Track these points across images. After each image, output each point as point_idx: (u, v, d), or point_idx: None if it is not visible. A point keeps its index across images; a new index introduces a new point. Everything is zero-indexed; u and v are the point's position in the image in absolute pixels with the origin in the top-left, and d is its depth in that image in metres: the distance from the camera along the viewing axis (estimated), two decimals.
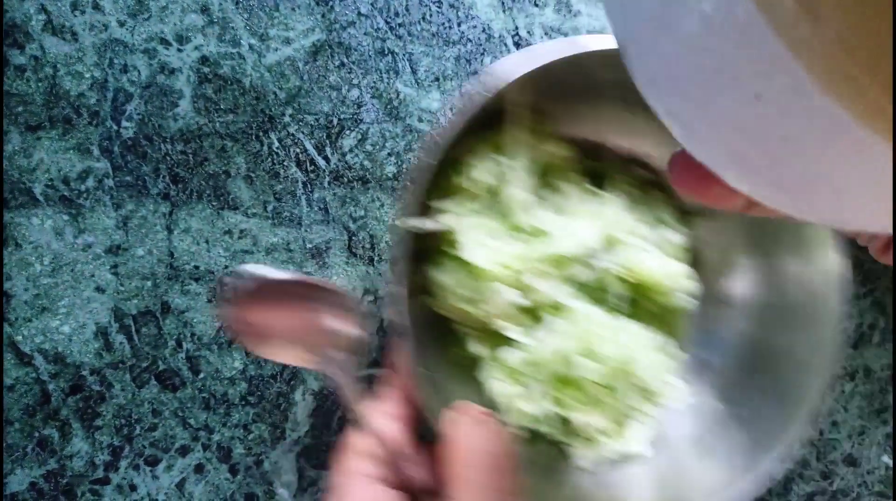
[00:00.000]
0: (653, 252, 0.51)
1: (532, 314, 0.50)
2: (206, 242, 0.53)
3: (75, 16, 0.52)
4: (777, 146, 0.18)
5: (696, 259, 0.53)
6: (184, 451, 0.54)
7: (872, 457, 0.57)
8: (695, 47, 0.18)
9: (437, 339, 0.51)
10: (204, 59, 0.53)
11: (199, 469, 0.54)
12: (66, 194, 0.52)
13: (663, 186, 0.53)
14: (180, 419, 0.53)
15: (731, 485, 0.43)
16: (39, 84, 0.52)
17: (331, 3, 0.54)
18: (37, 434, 0.53)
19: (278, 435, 0.54)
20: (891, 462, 0.56)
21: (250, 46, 0.53)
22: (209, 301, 0.53)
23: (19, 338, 0.53)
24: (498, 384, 0.50)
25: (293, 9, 0.53)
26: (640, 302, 0.52)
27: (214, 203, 0.53)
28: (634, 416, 0.50)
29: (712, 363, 0.53)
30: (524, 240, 0.48)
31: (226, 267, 0.53)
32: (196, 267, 0.53)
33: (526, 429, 0.50)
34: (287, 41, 0.53)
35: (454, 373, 0.52)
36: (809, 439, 0.56)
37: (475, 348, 0.50)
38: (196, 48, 0.53)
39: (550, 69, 0.44)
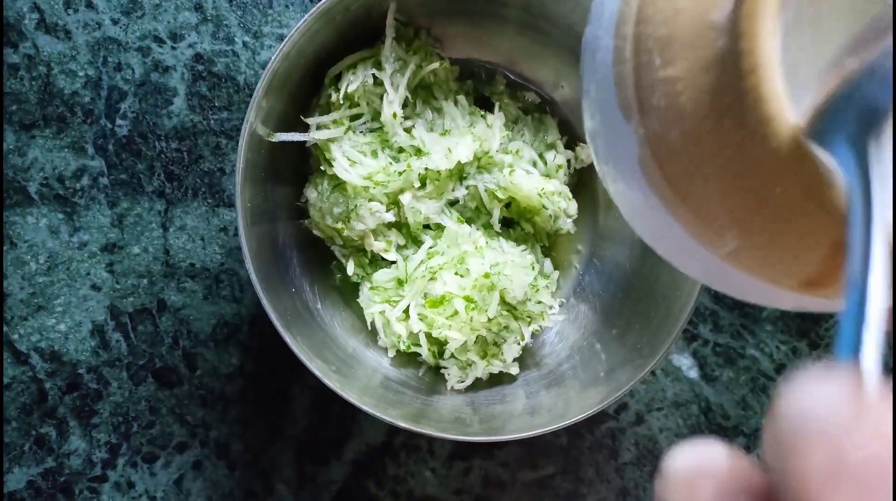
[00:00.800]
0: (533, 173, 0.51)
1: (408, 233, 0.50)
2: (202, 239, 0.53)
3: (69, 14, 0.52)
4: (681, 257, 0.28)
5: (587, 191, 0.54)
6: (181, 448, 0.54)
7: None
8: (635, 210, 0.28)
9: (320, 264, 0.52)
10: (198, 57, 0.53)
11: (197, 465, 0.54)
12: (60, 192, 0.52)
13: (554, 112, 0.54)
14: (178, 416, 0.53)
15: (603, 399, 0.45)
16: (33, 83, 0.52)
17: None
18: (34, 433, 0.53)
19: (276, 431, 0.54)
20: None
21: (244, 44, 0.53)
22: (205, 298, 0.53)
23: (15, 337, 0.53)
24: (373, 306, 0.50)
25: (287, 6, 0.53)
26: (519, 223, 0.53)
27: (210, 200, 0.53)
28: (506, 336, 0.51)
29: (593, 286, 0.54)
30: (399, 157, 0.48)
31: (222, 264, 0.54)
32: (192, 264, 0.53)
33: (402, 351, 0.51)
34: (281, 38, 0.53)
35: (338, 299, 0.52)
36: None
37: (352, 269, 0.51)
38: (190, 46, 0.53)
39: None
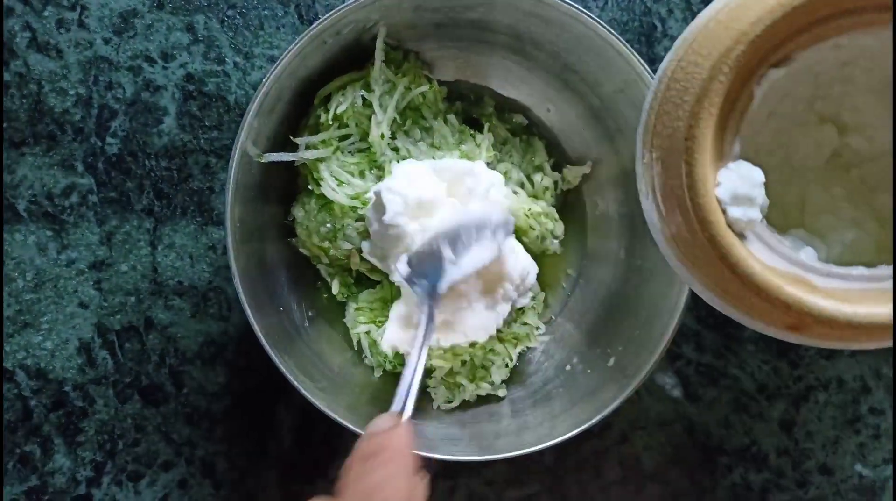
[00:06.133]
0: (520, 194, 0.52)
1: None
2: (190, 257, 0.54)
3: (60, 33, 0.53)
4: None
5: (575, 213, 0.55)
6: (167, 466, 0.54)
7: (846, 466, 0.58)
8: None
9: (307, 283, 0.53)
10: (189, 77, 0.53)
11: (182, 484, 0.54)
12: (49, 209, 0.53)
13: (542, 135, 0.54)
14: (163, 434, 0.53)
15: (589, 418, 0.45)
16: (24, 101, 0.52)
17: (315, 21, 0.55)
18: (18, 451, 0.53)
19: (262, 450, 0.54)
20: (864, 471, 0.57)
21: (235, 64, 0.54)
22: (193, 316, 0.54)
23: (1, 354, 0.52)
24: (359, 326, 0.51)
25: (278, 28, 0.54)
26: None
27: (199, 219, 0.54)
28: (493, 359, 0.51)
29: (579, 305, 0.55)
30: (386, 177, 0.48)
31: (210, 282, 0.54)
32: (180, 282, 0.54)
33: (388, 371, 0.51)
34: (272, 59, 0.54)
35: (325, 318, 0.53)
36: (785, 448, 0.57)
37: (336, 288, 0.52)
38: (181, 66, 0.53)
39: (436, 8, 0.46)
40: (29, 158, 0.52)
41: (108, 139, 0.53)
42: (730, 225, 0.34)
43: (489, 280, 0.48)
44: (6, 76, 0.52)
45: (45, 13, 0.52)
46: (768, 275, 0.33)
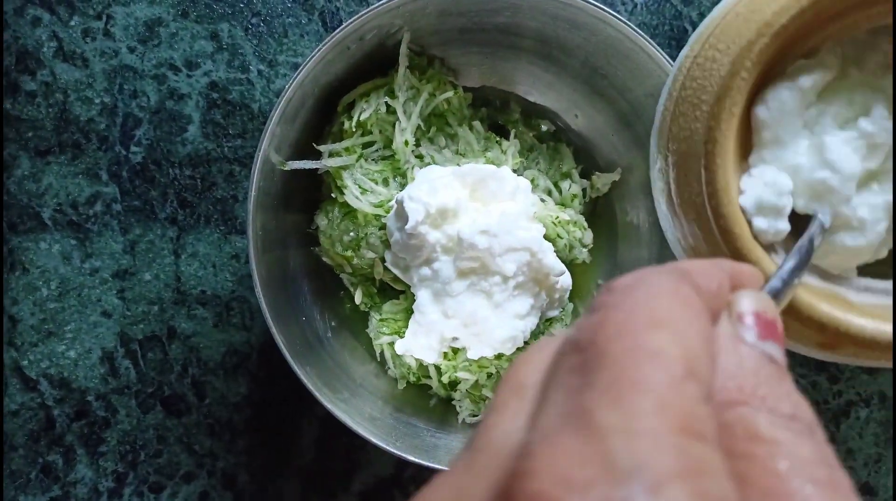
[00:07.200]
0: (547, 202, 0.50)
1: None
2: (214, 266, 0.53)
3: (86, 42, 0.53)
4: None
5: (604, 221, 0.54)
6: (188, 478, 0.53)
7: (890, 485, 0.55)
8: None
9: (330, 292, 0.52)
10: (213, 85, 0.53)
11: (203, 496, 0.53)
12: (74, 218, 0.52)
13: (569, 141, 0.53)
14: (185, 445, 0.53)
15: None
16: (50, 110, 0.53)
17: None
18: (41, 460, 0.52)
19: (283, 462, 0.53)
20: None
21: (259, 72, 0.53)
22: (215, 326, 0.53)
23: (25, 363, 0.52)
24: (382, 337, 0.50)
25: (302, 35, 0.54)
26: None
27: (222, 228, 0.53)
28: None
29: None
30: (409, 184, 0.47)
31: (232, 292, 0.53)
32: (203, 292, 0.53)
33: (412, 383, 0.50)
34: (296, 67, 0.54)
35: (348, 328, 0.52)
36: None
37: (359, 298, 0.50)
38: (205, 74, 0.53)
39: (461, 13, 0.45)
40: (54, 167, 0.52)
41: (133, 148, 0.53)
42: (755, 237, 0.31)
43: (530, 277, 0.46)
44: (32, 86, 0.52)
45: (72, 23, 0.53)
46: (800, 293, 0.29)
